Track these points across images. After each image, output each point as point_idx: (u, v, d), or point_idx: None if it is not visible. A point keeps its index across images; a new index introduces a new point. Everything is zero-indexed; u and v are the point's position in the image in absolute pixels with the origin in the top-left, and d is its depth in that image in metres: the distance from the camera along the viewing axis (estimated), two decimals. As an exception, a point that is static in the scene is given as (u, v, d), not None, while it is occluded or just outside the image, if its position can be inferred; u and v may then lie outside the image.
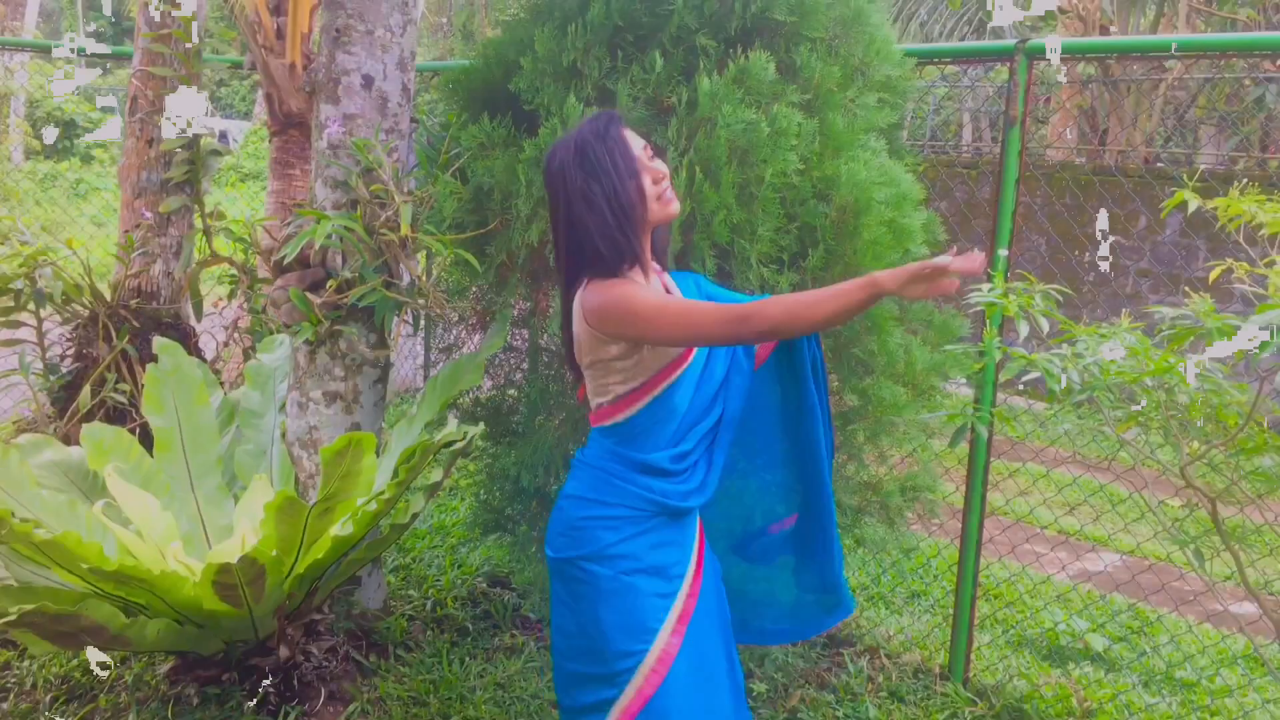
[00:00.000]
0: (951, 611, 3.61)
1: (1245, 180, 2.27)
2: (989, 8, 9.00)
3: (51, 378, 4.27)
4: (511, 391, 3.59)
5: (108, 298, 4.35)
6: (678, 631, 2.15)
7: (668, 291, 2.25)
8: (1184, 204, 2.27)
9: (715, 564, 2.38)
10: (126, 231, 4.42)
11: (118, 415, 4.16)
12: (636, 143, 2.14)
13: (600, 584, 2.15)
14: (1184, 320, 2.03)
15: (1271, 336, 1.64)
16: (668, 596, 2.17)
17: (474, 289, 3.42)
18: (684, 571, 2.22)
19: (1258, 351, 1.69)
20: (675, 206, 2.17)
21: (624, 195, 2.09)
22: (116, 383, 4.18)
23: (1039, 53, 3.30)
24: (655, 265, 2.25)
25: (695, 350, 2.19)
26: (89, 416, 4.05)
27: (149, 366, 3.50)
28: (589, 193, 2.09)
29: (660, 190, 2.14)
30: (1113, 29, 10.18)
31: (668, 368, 2.16)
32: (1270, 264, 2.11)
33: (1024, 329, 2.10)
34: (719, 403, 2.27)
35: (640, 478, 2.18)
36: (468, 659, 3.48)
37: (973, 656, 3.59)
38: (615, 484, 2.18)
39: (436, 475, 3.18)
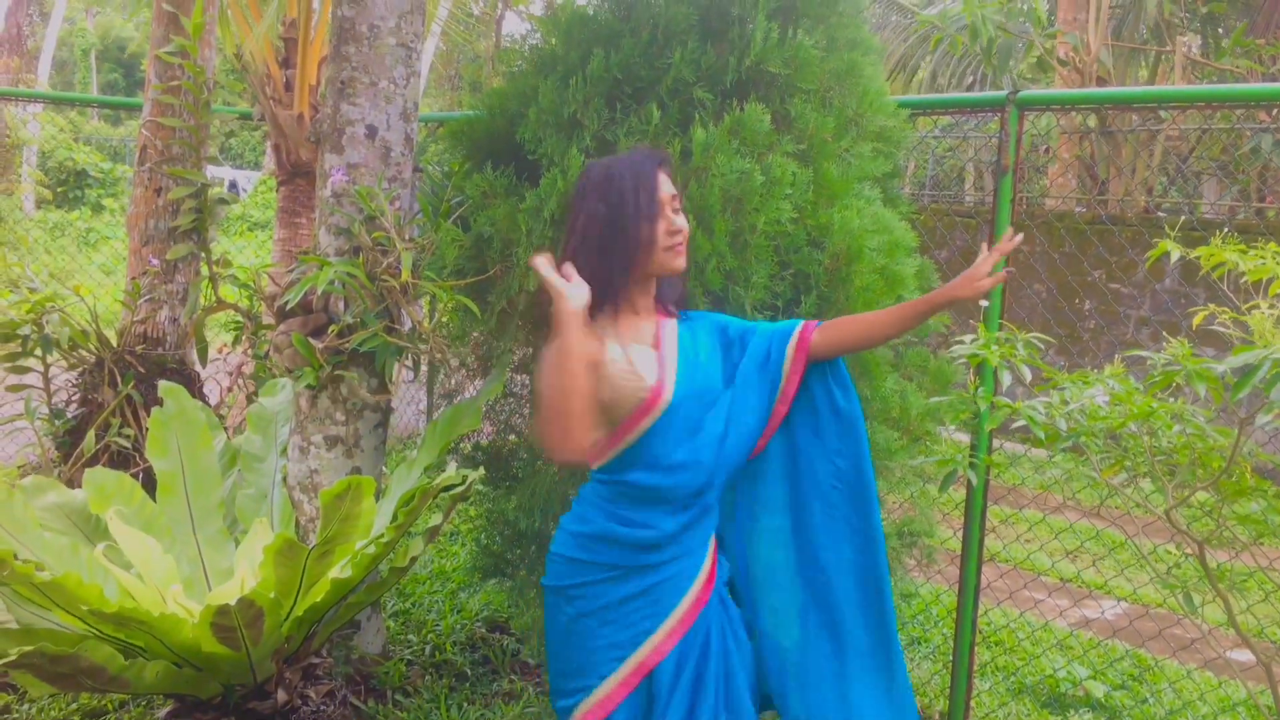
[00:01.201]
0: (951, 658, 3.61)
1: (1228, 230, 2.32)
2: (991, 58, 9.12)
3: (57, 422, 4.31)
4: (512, 436, 3.63)
5: (114, 344, 4.41)
6: (627, 684, 2.14)
7: (659, 339, 2.21)
8: (1171, 253, 2.33)
9: (718, 633, 2.25)
10: (133, 278, 4.49)
11: (121, 460, 4.19)
12: (667, 188, 2.16)
13: (558, 619, 2.22)
14: (1171, 367, 2.06)
15: (1250, 374, 1.67)
16: (622, 648, 2.16)
17: (475, 335, 3.46)
18: (651, 627, 2.17)
19: (1234, 393, 1.72)
20: (681, 262, 2.18)
21: (632, 233, 2.11)
22: (121, 428, 4.23)
23: (1030, 104, 3.36)
24: (659, 310, 2.26)
25: (664, 400, 2.14)
26: (93, 461, 4.09)
27: (154, 410, 3.54)
28: (600, 221, 2.12)
29: (673, 242, 2.15)
30: (1111, 81, 10.31)
31: (632, 416, 2.14)
32: (1253, 308, 2.16)
33: (1007, 378, 2.14)
34: (717, 461, 2.21)
35: (614, 528, 2.17)
36: (466, 705, 3.48)
37: (972, 704, 3.58)
38: (590, 528, 2.20)
39: (436, 519, 3.20)
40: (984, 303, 3.02)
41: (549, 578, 2.26)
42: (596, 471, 2.24)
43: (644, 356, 2.17)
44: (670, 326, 2.26)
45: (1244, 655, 4.39)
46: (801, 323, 2.28)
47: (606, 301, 2.15)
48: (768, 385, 2.26)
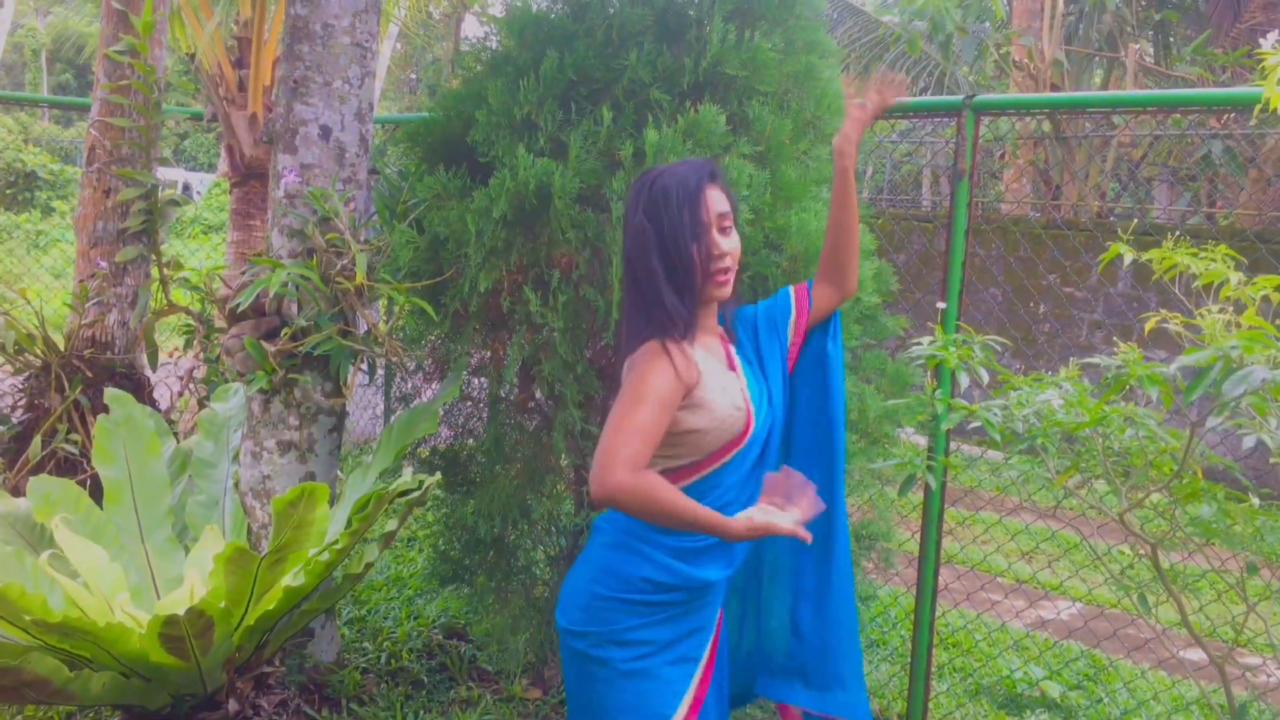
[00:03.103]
0: (909, 660, 3.62)
1: (1179, 234, 2.34)
2: (950, 55, 9.19)
3: (1, 428, 4.22)
4: (470, 441, 3.59)
5: (61, 348, 4.32)
6: (689, 718, 2.07)
7: (733, 364, 2.14)
8: (1123, 256, 2.34)
9: (725, 636, 2.27)
10: (81, 281, 4.40)
11: (69, 466, 4.11)
12: (715, 206, 2.02)
13: (614, 667, 2.04)
14: (1121, 371, 2.08)
15: (1201, 377, 1.68)
16: (684, 681, 2.07)
17: (431, 338, 3.43)
18: (702, 654, 2.12)
19: (1187, 395, 1.73)
20: (727, 290, 2.05)
21: (686, 255, 1.98)
22: (68, 433, 4.14)
23: (986, 108, 3.38)
24: (720, 331, 2.18)
25: (755, 425, 2.07)
26: (39, 467, 4.00)
27: (100, 418, 3.47)
28: (651, 243, 2.00)
29: (718, 266, 2.02)
30: (1064, 88, 10.45)
31: (726, 446, 2.05)
32: (1205, 313, 2.18)
33: (964, 380, 2.14)
34: (761, 468, 2.15)
35: (668, 558, 2.04)
36: (422, 712, 3.43)
37: (930, 705, 3.59)
38: (641, 562, 2.04)
39: (392, 525, 3.16)
40: (941, 305, 3.03)
41: (597, 625, 2.07)
42: None
43: (731, 384, 2.07)
44: (734, 351, 2.18)
45: (1197, 655, 4.44)
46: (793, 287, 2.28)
47: (679, 330, 2.00)
48: (780, 353, 2.23)
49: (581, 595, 2.08)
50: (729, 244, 2.03)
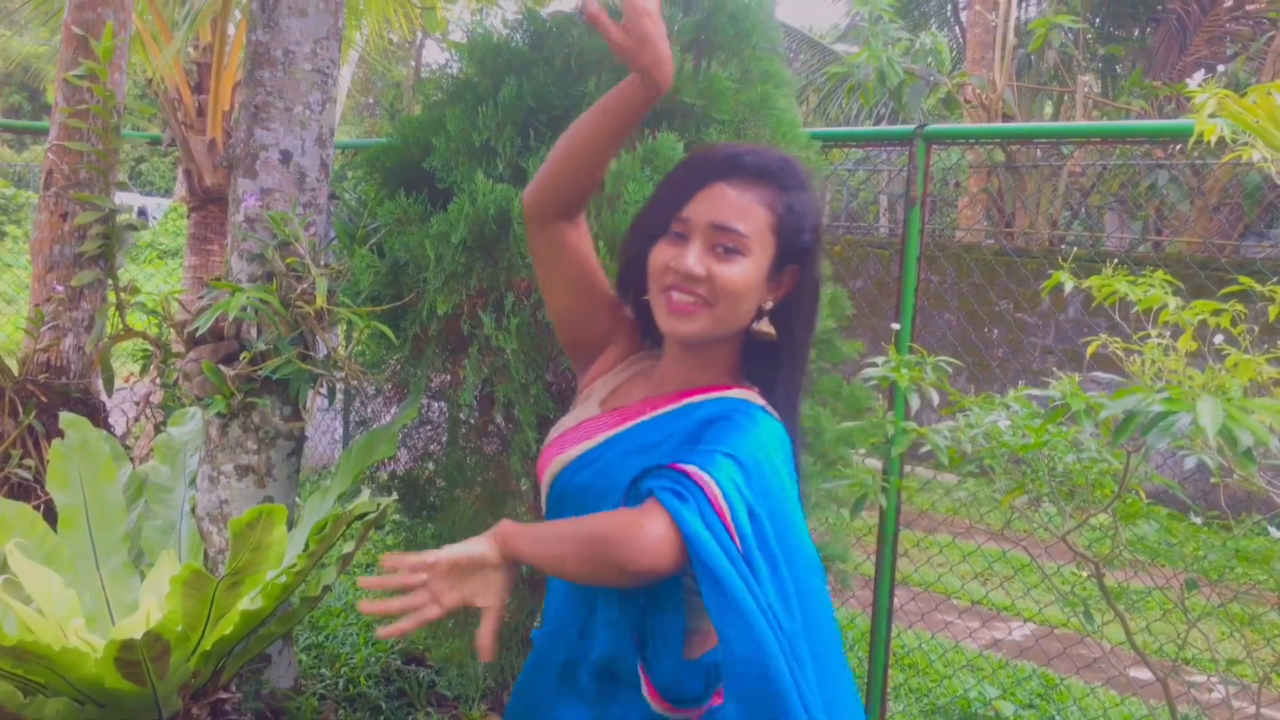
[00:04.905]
0: (865, 680, 3.66)
1: (1118, 262, 2.42)
2: (902, 101, 9.40)
3: (-48, 454, 4.16)
4: (429, 465, 3.60)
5: (15, 373, 4.27)
6: None
7: (634, 406, 1.64)
8: (1068, 284, 2.42)
9: None
10: (36, 305, 4.36)
11: (22, 492, 4.06)
12: (706, 213, 1.50)
13: None
14: (1060, 404, 2.14)
15: (1131, 420, 1.75)
16: None
17: (391, 361, 3.44)
18: None
19: (1117, 437, 1.80)
20: (675, 324, 1.51)
21: (629, 244, 1.64)
22: (22, 459, 4.09)
23: (936, 137, 3.47)
24: (672, 381, 1.62)
25: (547, 474, 1.69)
26: (-9, 493, 3.95)
27: (55, 442, 3.44)
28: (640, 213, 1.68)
29: (665, 282, 1.51)
30: (1016, 118, 10.66)
31: (542, 458, 1.77)
32: (1144, 338, 2.25)
33: (915, 401, 2.20)
34: None
35: None
36: (380, 737, 3.43)
37: (886, 725, 3.64)
38: None
39: (349, 548, 3.16)
40: (895, 326, 3.09)
41: None
42: None
43: (587, 411, 1.70)
44: (675, 408, 1.58)
45: (1145, 673, 4.52)
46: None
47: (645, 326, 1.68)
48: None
49: None
50: (691, 264, 1.48)
